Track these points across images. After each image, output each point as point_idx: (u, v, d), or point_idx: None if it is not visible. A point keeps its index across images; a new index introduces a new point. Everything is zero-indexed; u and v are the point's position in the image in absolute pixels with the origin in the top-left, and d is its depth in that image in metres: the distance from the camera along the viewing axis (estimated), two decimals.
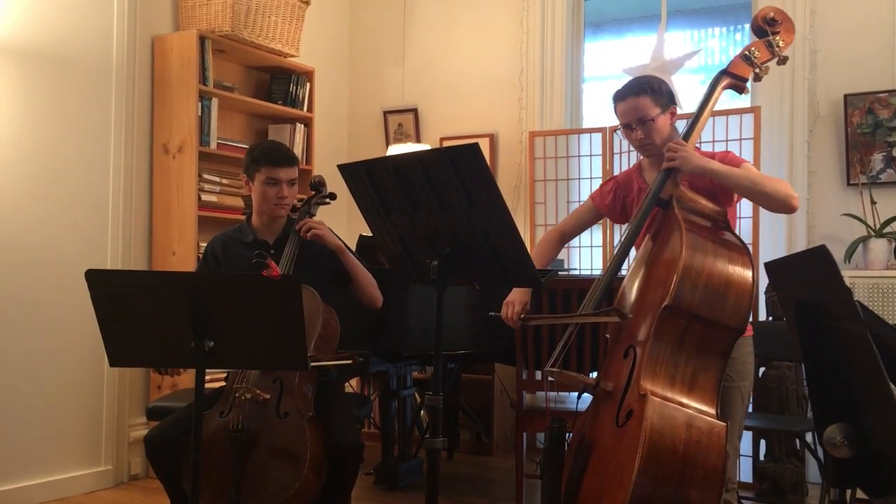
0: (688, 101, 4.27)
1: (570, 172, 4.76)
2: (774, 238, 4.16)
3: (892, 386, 1.26)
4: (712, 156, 2.54)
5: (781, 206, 2.41)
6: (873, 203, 3.94)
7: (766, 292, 3.97)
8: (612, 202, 2.72)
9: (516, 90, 4.99)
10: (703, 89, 2.56)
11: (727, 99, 4.59)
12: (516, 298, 2.60)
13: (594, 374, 2.46)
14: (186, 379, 3.87)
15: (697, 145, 2.58)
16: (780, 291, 1.69)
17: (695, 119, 2.51)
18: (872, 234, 3.88)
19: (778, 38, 2.51)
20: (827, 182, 4.18)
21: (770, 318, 3.88)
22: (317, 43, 5.14)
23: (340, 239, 2.89)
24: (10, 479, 3.50)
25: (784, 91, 4.21)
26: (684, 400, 2.06)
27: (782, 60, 2.54)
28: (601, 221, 4.57)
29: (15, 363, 3.54)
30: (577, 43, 4.97)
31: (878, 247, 3.86)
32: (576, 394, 2.41)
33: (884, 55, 4.07)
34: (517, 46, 5.00)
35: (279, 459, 2.42)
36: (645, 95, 2.50)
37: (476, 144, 1.86)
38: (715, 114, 4.20)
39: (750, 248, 4.01)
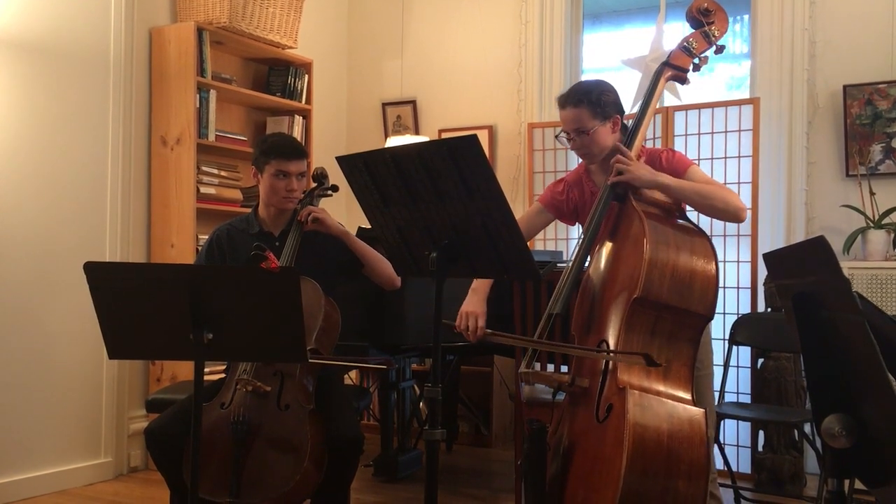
0: (687, 93, 4.27)
1: (569, 164, 4.74)
2: (773, 229, 4.16)
3: (891, 376, 1.26)
4: (659, 153, 2.57)
5: (729, 217, 2.48)
6: (872, 194, 3.94)
7: (764, 283, 3.97)
8: (566, 203, 2.73)
9: (515, 82, 4.99)
10: (648, 83, 2.63)
11: (724, 91, 4.60)
12: (478, 310, 2.56)
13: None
14: (186, 371, 3.88)
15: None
16: (778, 282, 1.69)
17: (641, 112, 2.54)
18: (871, 225, 3.88)
19: (713, 27, 2.59)
20: (826, 173, 4.18)
21: (769, 310, 3.88)
22: (315, 35, 5.12)
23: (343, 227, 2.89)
24: (9, 471, 3.51)
25: (783, 82, 4.20)
26: (661, 389, 2.08)
27: (719, 49, 2.62)
28: None
29: (14, 356, 3.54)
30: (575, 34, 4.96)
31: (877, 238, 3.86)
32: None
33: (883, 46, 4.06)
34: (516, 38, 4.99)
35: (280, 451, 2.42)
36: (583, 107, 2.49)
37: (474, 136, 1.86)
38: (714, 105, 4.22)
39: (748, 239, 4.08)
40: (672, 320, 2.15)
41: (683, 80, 2.62)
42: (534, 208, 2.83)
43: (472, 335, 2.52)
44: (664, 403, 2.03)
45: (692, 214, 2.50)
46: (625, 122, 2.62)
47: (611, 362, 2.12)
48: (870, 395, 1.31)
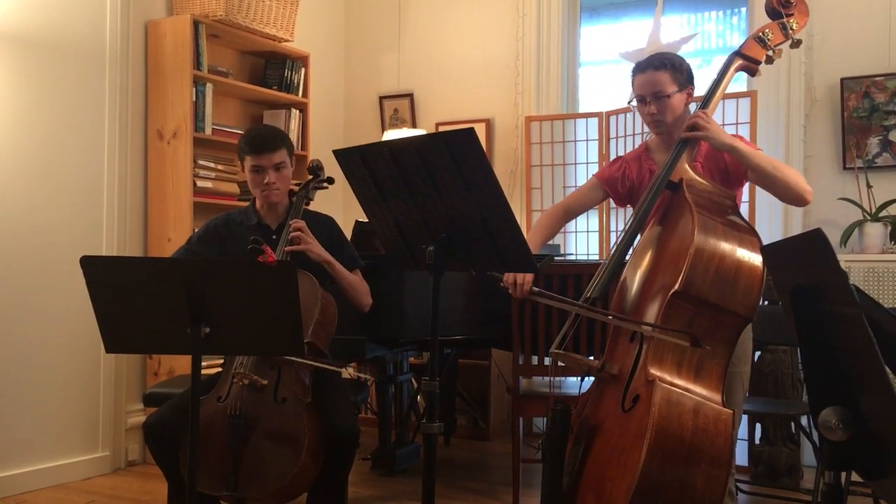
0: None
1: (567, 157, 4.75)
2: (770, 222, 4.17)
3: (888, 369, 1.27)
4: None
5: (796, 197, 2.39)
6: (869, 187, 3.95)
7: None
8: (621, 181, 2.67)
9: (512, 75, 4.98)
10: (716, 71, 2.54)
11: None
12: None
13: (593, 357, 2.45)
14: (183, 364, 3.87)
15: None
16: (775, 275, 1.69)
17: (706, 100, 2.48)
18: (868, 218, 3.89)
19: (792, 20, 2.48)
20: (823, 166, 4.18)
21: (766, 303, 3.88)
22: (312, 28, 5.11)
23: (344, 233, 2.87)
24: (7, 465, 3.51)
25: (780, 75, 4.20)
26: (691, 386, 2.04)
27: (795, 43, 2.52)
28: (597, 207, 4.58)
29: (11, 351, 3.54)
30: (573, 27, 4.96)
31: (874, 231, 3.86)
32: (573, 379, 2.40)
33: (880, 39, 4.06)
34: (513, 31, 4.98)
35: (277, 445, 2.42)
36: (664, 71, 2.48)
37: (472, 129, 1.86)
38: None
39: None
40: (711, 318, 2.09)
41: (754, 72, 2.54)
42: (588, 183, 2.78)
43: (519, 290, 2.40)
44: (692, 400, 2.00)
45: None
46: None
47: (643, 353, 2.09)
48: (867, 387, 1.32)
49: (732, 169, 2.47)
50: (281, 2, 4.46)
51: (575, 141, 4.72)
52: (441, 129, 5.09)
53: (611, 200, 2.82)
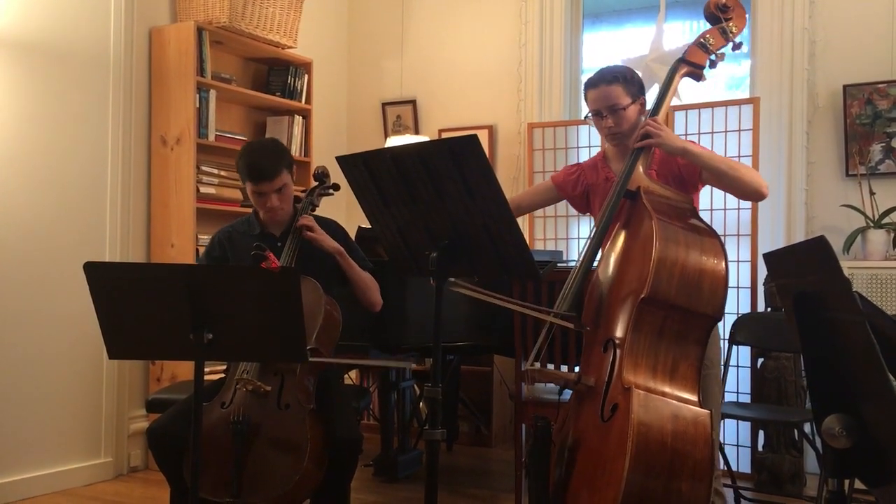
0: (687, 92, 4.27)
1: (569, 164, 4.74)
2: (773, 229, 4.16)
3: (891, 376, 1.26)
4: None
5: (753, 193, 2.46)
6: (872, 194, 3.94)
7: (764, 283, 3.97)
8: (574, 186, 2.76)
9: (515, 82, 4.99)
10: (663, 79, 2.62)
11: (724, 90, 4.59)
12: None
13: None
14: (186, 370, 3.88)
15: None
16: (778, 282, 1.69)
17: (655, 108, 2.54)
18: (871, 224, 3.89)
19: (731, 24, 2.57)
20: (826, 173, 4.18)
21: (769, 309, 3.88)
22: (315, 34, 5.12)
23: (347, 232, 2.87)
24: (9, 471, 3.51)
25: (783, 82, 4.20)
26: (667, 390, 2.06)
27: (736, 46, 2.60)
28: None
29: (14, 356, 3.54)
30: (575, 34, 4.96)
31: (877, 237, 3.86)
32: None
33: (883, 45, 4.06)
34: (516, 38, 4.99)
35: (280, 451, 2.42)
36: (617, 84, 2.55)
37: (475, 136, 1.86)
38: (714, 104, 4.22)
39: (748, 239, 4.07)
40: (680, 320, 2.13)
41: (699, 77, 2.60)
42: (542, 184, 2.89)
43: None
44: (669, 404, 2.02)
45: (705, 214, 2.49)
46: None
47: (616, 363, 2.11)
48: (870, 395, 1.32)
49: (686, 173, 2.54)
50: (284, 9, 4.47)
51: (577, 147, 4.73)
52: (444, 135, 5.09)
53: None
